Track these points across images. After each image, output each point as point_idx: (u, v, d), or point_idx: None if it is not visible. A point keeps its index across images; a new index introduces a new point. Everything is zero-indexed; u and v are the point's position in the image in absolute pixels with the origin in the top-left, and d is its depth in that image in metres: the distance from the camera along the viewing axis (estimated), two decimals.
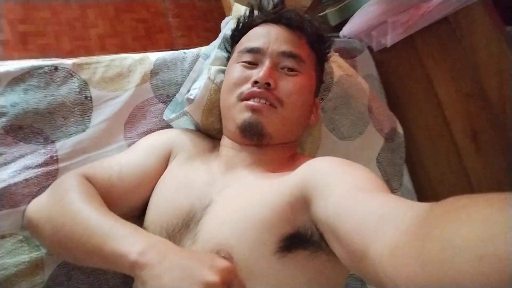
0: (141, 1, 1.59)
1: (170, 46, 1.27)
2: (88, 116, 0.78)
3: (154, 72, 0.87)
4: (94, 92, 0.79)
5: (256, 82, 0.69)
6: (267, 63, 0.71)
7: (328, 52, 0.85)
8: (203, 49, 0.94)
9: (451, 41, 1.07)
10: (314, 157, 0.89)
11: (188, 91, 0.85)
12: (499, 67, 0.97)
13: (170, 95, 0.88)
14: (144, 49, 1.45)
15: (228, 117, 0.73)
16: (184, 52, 0.92)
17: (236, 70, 0.74)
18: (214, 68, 0.83)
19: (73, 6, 1.43)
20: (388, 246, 0.36)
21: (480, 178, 1.08)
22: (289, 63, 0.72)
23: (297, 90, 0.71)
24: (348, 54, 1.14)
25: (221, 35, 0.91)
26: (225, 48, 0.87)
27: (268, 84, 0.68)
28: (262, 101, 0.68)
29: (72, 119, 0.75)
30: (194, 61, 0.91)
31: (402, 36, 1.14)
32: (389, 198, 0.44)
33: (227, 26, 0.92)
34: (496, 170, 1.03)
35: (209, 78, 0.82)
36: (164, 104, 0.87)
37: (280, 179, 0.62)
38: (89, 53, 1.36)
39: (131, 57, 0.86)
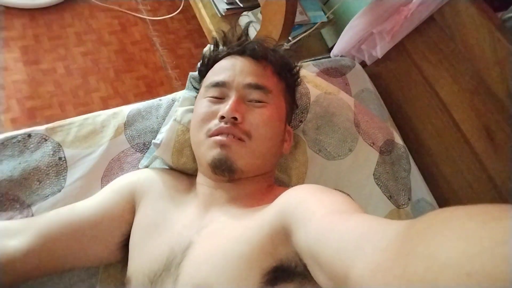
0: (140, 59, 1.65)
1: None
2: (63, 176, 0.78)
3: (128, 124, 0.87)
4: (68, 152, 0.80)
5: (222, 117, 0.67)
6: (233, 96, 0.69)
7: (297, 78, 0.83)
8: (178, 94, 0.94)
9: (442, 39, 1.02)
10: (303, 182, 0.87)
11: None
12: (496, 56, 0.91)
13: (147, 143, 0.88)
14: None
15: (199, 155, 0.72)
16: (160, 99, 0.92)
17: (203, 105, 0.72)
18: (181, 109, 0.83)
19: (75, 75, 1.50)
20: (369, 266, 0.34)
21: (504, 178, 0.98)
22: (255, 95, 0.71)
23: (265, 122, 0.69)
24: (338, 72, 1.11)
25: (188, 77, 0.91)
26: (193, 87, 0.87)
27: (235, 118, 0.67)
28: (230, 136, 0.67)
29: (48, 181, 0.76)
30: (170, 107, 0.91)
31: (391, 45, 1.10)
32: (366, 217, 0.43)
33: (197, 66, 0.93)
34: None
35: (174, 119, 0.82)
36: (142, 153, 0.87)
37: (258, 213, 0.61)
38: None
39: (104, 113, 0.87)
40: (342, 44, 1.19)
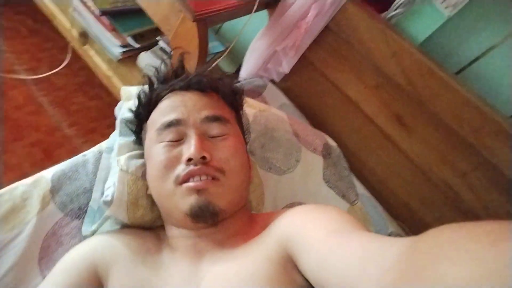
0: (28, 124, 1.47)
1: None
2: None
3: (54, 190, 0.75)
4: None
5: (189, 159, 0.61)
6: (192, 134, 0.64)
7: (243, 102, 0.81)
8: (103, 144, 0.85)
9: (340, 44, 1.11)
10: (263, 204, 0.86)
11: (102, 193, 0.75)
12: (391, 50, 1.02)
13: (83, 206, 0.77)
14: None
15: (169, 207, 0.64)
16: (84, 155, 0.82)
17: (161, 151, 0.64)
18: (123, 157, 0.75)
19: None
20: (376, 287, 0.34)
21: (419, 155, 1.08)
22: (215, 128, 0.66)
23: (233, 154, 0.65)
24: (255, 92, 1.13)
25: (118, 123, 0.83)
26: (130, 130, 0.80)
27: (204, 157, 0.61)
28: (203, 177, 0.61)
29: None
30: (98, 160, 0.81)
31: (296, 59, 1.16)
32: (366, 236, 0.43)
33: (122, 110, 0.85)
34: (431, 141, 1.05)
35: (121, 170, 0.72)
36: (80, 219, 0.75)
37: (257, 246, 0.57)
38: None
39: (21, 184, 0.73)
40: (249, 67, 1.21)
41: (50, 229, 0.71)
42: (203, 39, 0.91)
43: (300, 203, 0.86)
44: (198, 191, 0.60)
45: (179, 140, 0.65)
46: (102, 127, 1.53)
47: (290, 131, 0.91)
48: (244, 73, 1.23)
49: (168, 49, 1.23)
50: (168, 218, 0.67)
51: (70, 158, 0.82)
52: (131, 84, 1.15)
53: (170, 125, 0.65)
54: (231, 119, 0.71)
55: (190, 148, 0.61)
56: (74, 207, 0.75)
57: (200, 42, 0.90)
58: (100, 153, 0.82)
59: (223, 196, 0.61)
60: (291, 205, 0.86)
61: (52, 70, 1.61)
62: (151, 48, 1.26)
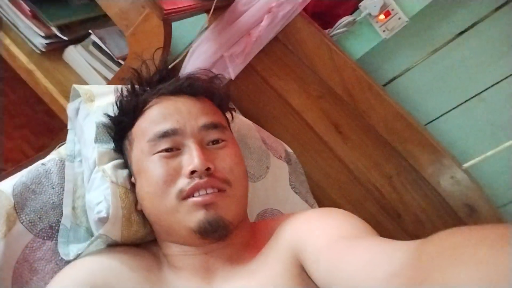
0: None
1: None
2: None
3: (19, 206, 0.63)
4: None
5: (193, 171, 0.57)
6: (191, 144, 0.60)
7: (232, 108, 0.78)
8: (62, 151, 0.75)
9: (286, 55, 1.16)
10: None
11: (73, 208, 0.65)
12: (334, 64, 1.10)
13: (54, 224, 0.66)
14: None
15: (171, 224, 0.59)
16: (43, 164, 0.71)
17: (158, 164, 0.59)
18: (108, 167, 0.66)
19: None
20: None
21: (352, 161, 1.20)
22: (214, 135, 0.63)
23: (235, 162, 0.63)
24: None
25: (86, 127, 0.73)
26: (109, 136, 0.71)
27: (208, 168, 0.57)
28: (209, 190, 0.57)
29: None
30: (61, 169, 0.71)
31: (243, 65, 1.17)
32: (374, 242, 0.45)
33: (82, 112, 0.76)
34: (364, 148, 1.17)
35: (112, 182, 0.64)
36: (52, 240, 0.65)
37: (271, 260, 0.57)
38: None
39: None
40: (193, 70, 1.18)
41: (20, 254, 0.60)
42: (168, 38, 0.86)
43: (272, 210, 0.88)
44: (205, 205, 0.56)
45: (176, 150, 0.61)
46: (9, 126, 1.30)
47: (259, 138, 0.92)
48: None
49: (101, 44, 1.11)
50: (167, 235, 0.62)
51: None
52: (56, 80, 1.02)
53: (165, 135, 0.60)
54: (226, 125, 0.69)
55: (193, 160, 0.58)
56: (44, 226, 0.65)
57: (165, 41, 0.85)
58: (62, 161, 0.71)
59: (230, 208, 0.59)
60: (264, 212, 0.87)
61: None
62: (81, 41, 1.13)
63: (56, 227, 0.67)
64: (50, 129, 1.19)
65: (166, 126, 0.61)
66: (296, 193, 0.95)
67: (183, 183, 0.57)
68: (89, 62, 1.11)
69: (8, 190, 0.65)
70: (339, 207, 1.24)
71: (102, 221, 0.61)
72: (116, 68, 1.13)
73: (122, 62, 1.12)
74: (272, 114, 1.24)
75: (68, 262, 0.62)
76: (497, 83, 1.13)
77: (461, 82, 1.16)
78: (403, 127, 1.10)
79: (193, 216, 0.56)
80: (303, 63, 1.14)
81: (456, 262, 0.27)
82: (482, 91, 1.15)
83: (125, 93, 0.70)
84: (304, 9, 1.08)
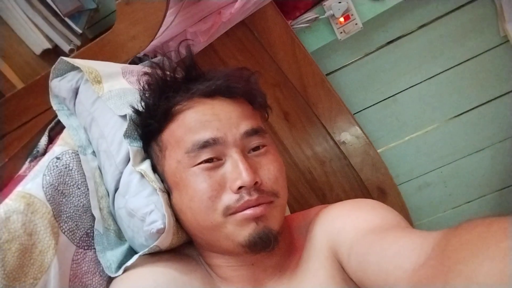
0: None
1: None
2: None
3: (57, 214, 0.53)
4: None
5: (240, 187, 0.54)
6: (235, 155, 0.56)
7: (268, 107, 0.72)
8: (69, 140, 0.62)
9: (249, 40, 1.15)
10: None
11: (100, 209, 0.57)
12: (295, 57, 1.15)
13: (89, 231, 0.57)
14: None
15: (217, 238, 0.56)
16: (57, 158, 0.58)
17: (200, 178, 0.55)
18: (148, 170, 0.59)
19: None
20: (410, 283, 0.37)
21: (293, 147, 1.29)
22: (256, 141, 0.59)
23: (279, 170, 0.60)
24: None
25: (95, 115, 0.62)
26: (136, 133, 0.63)
27: (256, 182, 0.55)
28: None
29: None
30: (79, 164, 0.60)
31: (205, 44, 1.12)
32: (401, 233, 0.46)
33: (90, 94, 0.64)
34: (305, 136, 1.27)
35: (159, 189, 0.58)
36: (90, 250, 0.56)
37: (313, 264, 0.58)
38: None
39: (9, 210, 0.47)
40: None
41: (69, 270, 0.51)
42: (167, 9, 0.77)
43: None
44: (256, 218, 0.55)
45: (217, 160, 0.57)
46: None
47: None
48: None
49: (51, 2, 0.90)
50: (209, 246, 0.60)
51: None
52: None
53: (205, 145, 0.56)
54: (265, 127, 0.65)
55: (240, 174, 0.54)
56: (82, 235, 0.57)
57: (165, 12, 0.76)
58: (75, 153, 0.60)
59: (277, 218, 0.58)
60: None
61: None
62: None
63: (91, 234, 0.58)
64: None
65: (206, 135, 0.56)
66: None
67: (231, 199, 0.54)
68: (28, 15, 0.89)
69: (40, 194, 0.53)
70: None
71: (160, 232, 0.56)
72: (61, 27, 0.94)
73: (68, 21, 0.94)
74: None
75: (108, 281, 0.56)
76: (409, 88, 1.36)
77: (383, 83, 1.36)
78: (342, 120, 1.24)
79: (242, 231, 0.54)
80: (265, 51, 1.15)
81: (478, 254, 0.28)
82: (397, 93, 1.37)
83: (147, 92, 0.62)
84: None
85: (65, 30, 0.93)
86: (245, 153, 0.58)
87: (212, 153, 0.56)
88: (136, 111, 0.63)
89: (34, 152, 0.70)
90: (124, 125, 0.62)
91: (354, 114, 1.38)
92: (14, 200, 0.51)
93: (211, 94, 0.60)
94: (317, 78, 1.17)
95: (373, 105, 1.39)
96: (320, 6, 1.16)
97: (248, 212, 0.54)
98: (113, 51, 0.80)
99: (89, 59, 0.75)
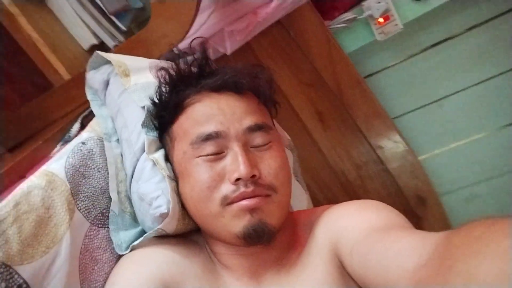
0: None
1: None
2: None
3: (75, 192, 0.59)
4: (24, 270, 0.48)
5: (237, 179, 0.55)
6: (236, 148, 0.57)
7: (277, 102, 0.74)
8: (96, 127, 0.69)
9: (285, 40, 1.17)
10: None
11: (118, 193, 0.63)
12: (330, 57, 1.15)
13: (105, 211, 0.63)
14: None
15: (216, 227, 0.58)
16: (83, 143, 0.64)
17: (201, 169, 0.57)
18: (161, 158, 0.63)
19: None
20: (411, 282, 0.37)
21: (328, 148, 1.29)
22: (259, 138, 0.60)
23: (281, 166, 0.60)
24: None
25: (121, 106, 0.68)
26: (153, 124, 0.67)
27: (254, 176, 0.56)
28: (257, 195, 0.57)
29: None
30: (102, 149, 0.66)
31: (242, 43, 1.15)
32: (404, 233, 0.46)
33: (118, 86, 0.70)
34: (340, 138, 1.26)
35: (168, 177, 0.62)
36: (104, 228, 0.61)
37: (313, 261, 0.58)
38: None
39: (32, 187, 0.54)
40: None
41: (81, 244, 0.56)
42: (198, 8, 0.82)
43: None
44: (251, 210, 0.56)
45: (218, 153, 0.58)
46: None
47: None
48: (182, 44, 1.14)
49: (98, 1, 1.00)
50: (212, 235, 0.62)
51: None
52: (40, 28, 0.91)
53: (208, 138, 0.58)
54: (271, 123, 0.66)
55: (238, 166, 0.55)
56: (97, 213, 0.62)
57: (196, 11, 0.81)
58: (100, 140, 0.67)
59: (275, 213, 0.58)
60: None
61: None
62: None
63: (106, 214, 0.63)
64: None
65: (209, 128, 0.58)
66: (298, 181, 0.99)
67: (228, 190, 0.56)
68: (78, 13, 0.99)
69: (61, 174, 0.59)
70: (307, 188, 1.35)
71: (163, 216, 0.60)
72: (107, 25, 1.03)
73: (114, 19, 1.03)
74: None
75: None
76: (455, 93, 1.29)
77: (426, 87, 1.30)
78: (379, 124, 1.21)
79: (238, 221, 0.56)
80: (300, 51, 1.17)
81: (479, 253, 0.28)
82: (441, 98, 1.31)
83: (163, 86, 0.66)
84: None
85: (110, 27, 1.01)
86: (247, 147, 0.59)
87: (214, 146, 0.58)
88: (153, 103, 0.67)
89: (66, 137, 0.78)
90: (144, 116, 0.67)
91: (394, 118, 1.34)
92: (37, 177, 0.57)
93: (218, 88, 0.62)
94: (353, 80, 1.16)
95: (416, 109, 1.34)
96: (359, 6, 1.15)
97: (244, 203, 0.55)
98: (147, 47, 0.86)
99: (125, 54, 0.82)
